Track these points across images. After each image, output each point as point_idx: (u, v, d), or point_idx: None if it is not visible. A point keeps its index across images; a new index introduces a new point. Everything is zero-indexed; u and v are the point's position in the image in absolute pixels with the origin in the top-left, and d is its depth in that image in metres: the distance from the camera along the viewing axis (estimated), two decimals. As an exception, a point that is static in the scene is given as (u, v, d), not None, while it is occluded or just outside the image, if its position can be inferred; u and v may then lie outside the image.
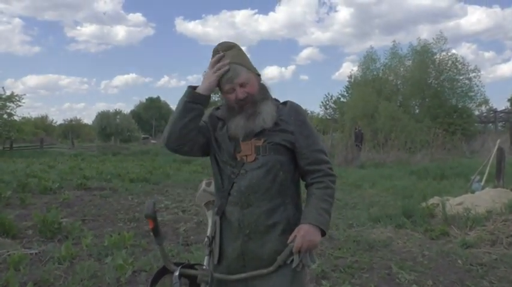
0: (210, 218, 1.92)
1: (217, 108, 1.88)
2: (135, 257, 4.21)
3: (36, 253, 4.53)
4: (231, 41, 1.79)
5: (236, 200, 1.72)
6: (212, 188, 1.94)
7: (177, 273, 1.59)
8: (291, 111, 1.77)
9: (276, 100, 1.84)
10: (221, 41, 1.78)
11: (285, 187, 1.74)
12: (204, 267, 1.70)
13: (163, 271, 1.67)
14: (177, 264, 1.65)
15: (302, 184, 1.85)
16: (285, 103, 1.82)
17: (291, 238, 1.65)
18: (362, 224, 6.37)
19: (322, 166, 1.77)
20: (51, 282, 3.72)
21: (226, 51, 1.71)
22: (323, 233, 1.69)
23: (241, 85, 1.70)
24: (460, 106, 28.26)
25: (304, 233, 1.63)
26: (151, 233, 1.59)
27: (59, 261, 4.22)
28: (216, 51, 1.73)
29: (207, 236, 1.83)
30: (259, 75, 1.81)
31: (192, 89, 1.71)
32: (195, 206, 7.03)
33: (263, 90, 1.78)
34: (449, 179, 11.62)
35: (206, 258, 1.80)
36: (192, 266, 1.67)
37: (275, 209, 1.72)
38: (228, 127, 1.75)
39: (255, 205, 1.70)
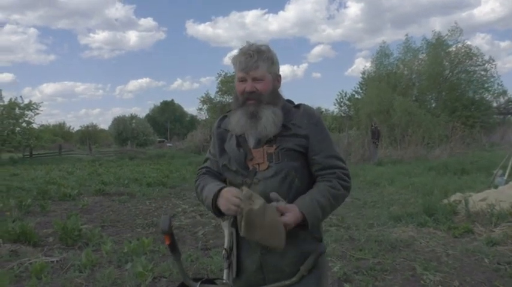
0: (226, 229, 1.86)
1: (224, 117, 1.81)
2: (155, 263, 4.19)
3: (57, 261, 4.55)
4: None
5: None
6: None
7: None
8: (304, 115, 1.69)
9: (290, 102, 1.77)
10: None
11: (301, 193, 1.65)
12: (224, 281, 1.64)
13: None
14: (196, 279, 1.58)
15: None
16: (298, 106, 1.74)
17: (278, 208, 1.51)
18: (383, 224, 6.25)
19: (335, 170, 1.67)
20: (73, 290, 3.72)
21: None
22: (303, 222, 1.56)
23: (254, 79, 1.63)
24: (477, 98, 27.79)
25: (296, 217, 1.52)
26: (168, 249, 1.54)
27: (79, 269, 4.23)
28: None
29: (225, 249, 1.77)
30: (279, 77, 1.74)
31: (215, 199, 1.61)
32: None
33: (274, 95, 1.70)
34: (470, 174, 11.38)
35: (225, 271, 1.74)
36: (211, 281, 1.61)
37: None
38: (230, 121, 1.69)
39: None
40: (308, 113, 1.70)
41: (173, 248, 1.50)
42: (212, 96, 37.97)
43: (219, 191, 1.59)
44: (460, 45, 28.08)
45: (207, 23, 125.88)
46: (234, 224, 1.71)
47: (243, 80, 1.65)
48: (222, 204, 1.55)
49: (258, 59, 1.63)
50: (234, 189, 1.53)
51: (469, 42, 29.49)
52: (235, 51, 1.73)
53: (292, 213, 1.52)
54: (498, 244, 4.94)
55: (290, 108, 1.71)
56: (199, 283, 1.55)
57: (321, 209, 1.59)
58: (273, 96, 1.68)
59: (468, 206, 6.25)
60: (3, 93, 28.71)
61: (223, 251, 1.78)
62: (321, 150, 1.67)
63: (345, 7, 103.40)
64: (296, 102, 1.79)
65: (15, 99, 28.78)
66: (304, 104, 1.75)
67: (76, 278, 4.01)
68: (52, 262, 4.50)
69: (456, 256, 4.62)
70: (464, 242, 5.17)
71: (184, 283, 1.58)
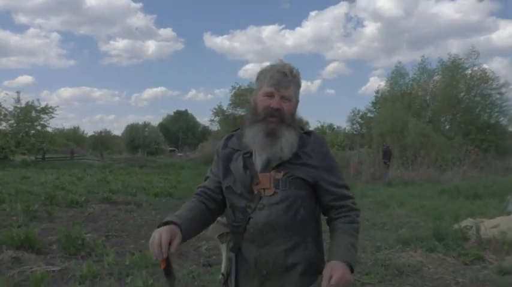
0: (224, 252, 1.80)
1: (231, 136, 1.77)
2: (156, 278, 4.12)
3: (58, 270, 4.51)
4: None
5: (252, 237, 1.60)
6: (226, 219, 1.83)
7: None
8: (315, 144, 1.65)
9: (301, 128, 1.73)
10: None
11: (306, 224, 1.61)
12: None
13: None
14: None
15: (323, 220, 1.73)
16: (308, 133, 1.70)
17: (326, 275, 1.44)
18: (390, 247, 6.11)
19: (347, 201, 1.66)
20: (71, 302, 3.67)
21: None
22: (351, 270, 1.54)
23: (283, 97, 1.60)
24: (492, 122, 27.42)
25: (343, 273, 1.43)
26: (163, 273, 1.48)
27: (80, 280, 4.19)
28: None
29: (222, 273, 1.72)
30: (298, 102, 1.71)
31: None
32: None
33: (294, 118, 1.67)
34: (483, 198, 11.13)
35: None
36: None
37: (295, 248, 1.59)
38: (246, 134, 1.64)
39: (274, 243, 1.58)
40: (319, 143, 1.66)
41: (168, 272, 1.45)
42: (225, 108, 38.14)
43: (165, 223, 1.51)
44: (476, 68, 27.89)
45: (225, 36, 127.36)
46: (234, 249, 1.65)
47: (270, 95, 1.61)
48: (152, 236, 1.45)
49: (291, 79, 1.62)
50: (165, 233, 1.43)
51: (485, 66, 29.31)
52: (264, 65, 1.72)
53: (339, 270, 1.46)
54: (509, 273, 4.80)
55: (301, 135, 1.67)
56: None
57: (354, 249, 1.58)
58: (293, 120, 1.66)
59: (479, 232, 6.09)
60: (22, 95, 29.27)
61: (220, 276, 1.72)
62: (332, 180, 1.64)
63: (362, 26, 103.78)
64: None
65: (32, 102, 29.30)
66: (314, 132, 1.72)
67: (75, 289, 3.96)
68: (53, 271, 4.46)
69: (465, 284, 4.49)
70: (475, 269, 5.02)
71: None
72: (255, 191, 1.60)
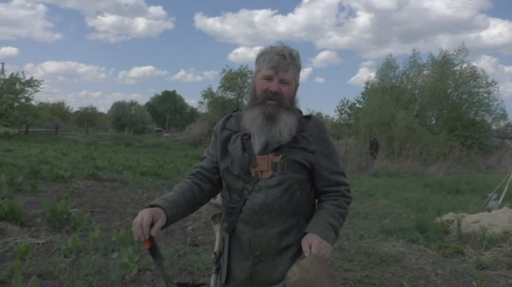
0: (217, 232, 1.81)
1: (230, 117, 1.75)
2: (142, 255, 4.12)
3: (43, 243, 4.48)
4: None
5: (248, 218, 1.60)
6: (218, 200, 1.82)
7: None
8: (314, 128, 1.65)
9: (299, 111, 1.73)
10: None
11: (301, 207, 1.63)
12: None
13: None
14: (180, 284, 1.53)
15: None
16: (308, 117, 1.70)
17: (305, 246, 1.45)
18: (373, 236, 6.21)
19: (340, 188, 1.67)
20: (56, 275, 3.66)
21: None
22: None
23: (281, 81, 1.59)
24: (478, 120, 27.82)
25: (320, 240, 1.45)
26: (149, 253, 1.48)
27: (65, 254, 4.17)
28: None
29: (214, 252, 1.72)
30: (298, 86, 1.70)
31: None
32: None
33: (293, 102, 1.67)
34: (465, 194, 11.37)
35: (213, 276, 1.70)
36: (197, 286, 1.56)
37: (289, 231, 1.61)
38: (244, 118, 1.64)
39: (269, 225, 1.59)
40: (318, 128, 1.66)
41: (154, 252, 1.45)
42: (214, 91, 37.87)
43: (151, 206, 1.51)
44: (465, 65, 28.15)
45: (216, 18, 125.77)
46: (228, 229, 1.66)
47: (269, 78, 1.60)
48: (137, 217, 1.45)
49: (290, 62, 1.60)
50: (147, 215, 1.43)
51: (474, 63, 29.62)
52: (262, 48, 1.69)
53: (316, 238, 1.46)
54: (487, 268, 4.91)
55: (301, 119, 1.67)
56: None
57: (334, 231, 1.57)
58: (292, 103, 1.65)
59: (460, 226, 6.22)
60: (6, 67, 28.54)
61: (213, 255, 1.73)
62: (328, 166, 1.64)
63: (355, 16, 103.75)
64: (300, 108, 1.75)
65: (17, 74, 28.66)
66: (314, 116, 1.71)
67: (60, 262, 3.94)
68: (38, 244, 4.44)
69: (445, 276, 4.58)
70: (454, 262, 5.13)
71: None
72: (253, 174, 1.60)
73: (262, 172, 1.59)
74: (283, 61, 1.58)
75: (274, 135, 1.58)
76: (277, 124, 1.57)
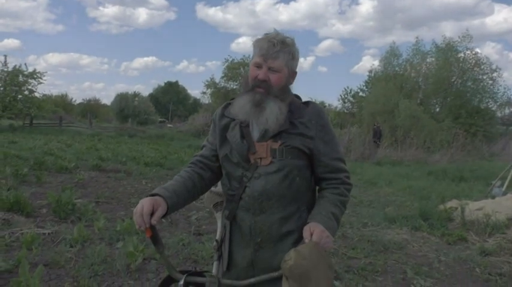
0: (219, 220, 1.82)
1: (228, 104, 1.74)
2: (146, 244, 4.16)
3: (49, 233, 4.53)
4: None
5: (248, 205, 1.61)
6: (219, 188, 1.82)
7: (181, 282, 1.48)
8: (313, 114, 1.63)
9: (298, 97, 1.71)
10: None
11: (301, 193, 1.63)
12: (212, 274, 1.60)
13: (169, 280, 1.57)
14: (182, 272, 1.54)
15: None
16: (307, 103, 1.68)
17: (306, 232, 1.43)
18: (377, 224, 6.23)
19: (340, 175, 1.66)
20: (62, 264, 3.70)
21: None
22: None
23: (270, 68, 1.57)
24: (482, 107, 27.66)
25: (323, 228, 1.44)
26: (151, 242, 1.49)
27: (70, 243, 4.22)
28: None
29: (216, 240, 1.73)
30: (295, 73, 1.67)
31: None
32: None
33: (284, 90, 1.63)
34: (468, 181, 11.36)
35: (215, 263, 1.70)
36: (199, 274, 1.57)
37: (289, 217, 1.61)
38: (234, 104, 1.64)
39: (269, 212, 1.59)
40: (317, 114, 1.64)
41: (155, 240, 1.46)
42: (217, 81, 37.79)
43: (152, 195, 1.53)
44: (469, 52, 27.90)
45: (218, 7, 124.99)
46: (229, 217, 1.67)
47: (258, 66, 1.58)
48: (137, 206, 1.47)
49: (280, 49, 1.56)
50: (147, 204, 1.44)
51: (478, 50, 29.37)
52: (259, 36, 1.66)
53: (318, 226, 1.45)
54: (490, 254, 4.93)
55: (299, 105, 1.65)
56: (185, 275, 1.50)
57: (336, 220, 1.57)
58: (283, 91, 1.62)
59: (464, 214, 6.23)
60: (8, 59, 28.49)
61: (214, 243, 1.74)
62: (327, 152, 1.63)
63: (357, 3, 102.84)
64: (302, 97, 1.74)
65: (20, 66, 28.60)
66: (313, 102, 1.69)
67: (66, 252, 3.99)
68: (44, 234, 4.49)
69: (448, 263, 4.60)
70: (457, 249, 5.15)
71: (170, 275, 1.54)
72: (252, 161, 1.60)
73: (261, 158, 1.59)
74: (272, 49, 1.55)
75: (262, 122, 1.57)
76: (264, 112, 1.56)
